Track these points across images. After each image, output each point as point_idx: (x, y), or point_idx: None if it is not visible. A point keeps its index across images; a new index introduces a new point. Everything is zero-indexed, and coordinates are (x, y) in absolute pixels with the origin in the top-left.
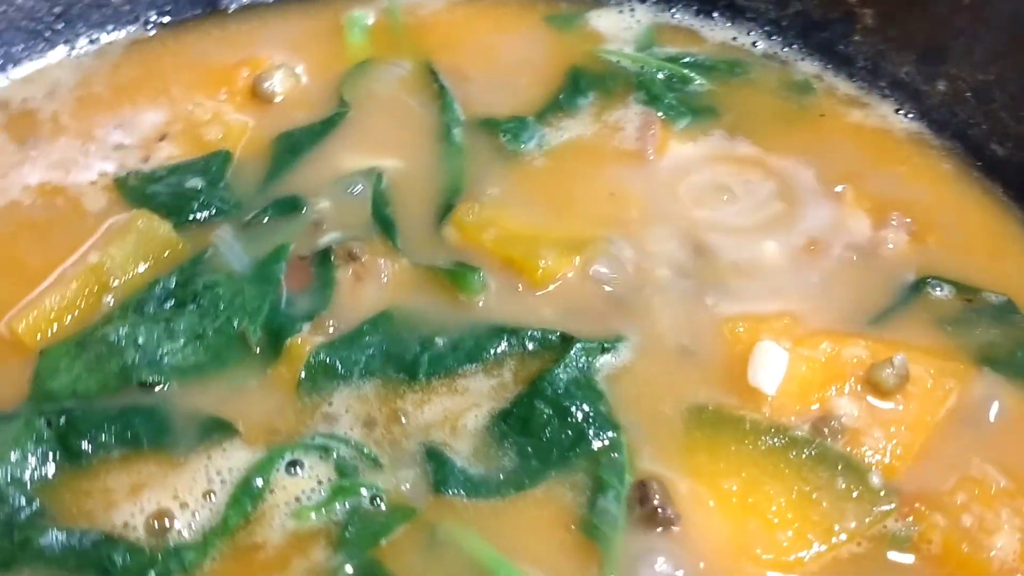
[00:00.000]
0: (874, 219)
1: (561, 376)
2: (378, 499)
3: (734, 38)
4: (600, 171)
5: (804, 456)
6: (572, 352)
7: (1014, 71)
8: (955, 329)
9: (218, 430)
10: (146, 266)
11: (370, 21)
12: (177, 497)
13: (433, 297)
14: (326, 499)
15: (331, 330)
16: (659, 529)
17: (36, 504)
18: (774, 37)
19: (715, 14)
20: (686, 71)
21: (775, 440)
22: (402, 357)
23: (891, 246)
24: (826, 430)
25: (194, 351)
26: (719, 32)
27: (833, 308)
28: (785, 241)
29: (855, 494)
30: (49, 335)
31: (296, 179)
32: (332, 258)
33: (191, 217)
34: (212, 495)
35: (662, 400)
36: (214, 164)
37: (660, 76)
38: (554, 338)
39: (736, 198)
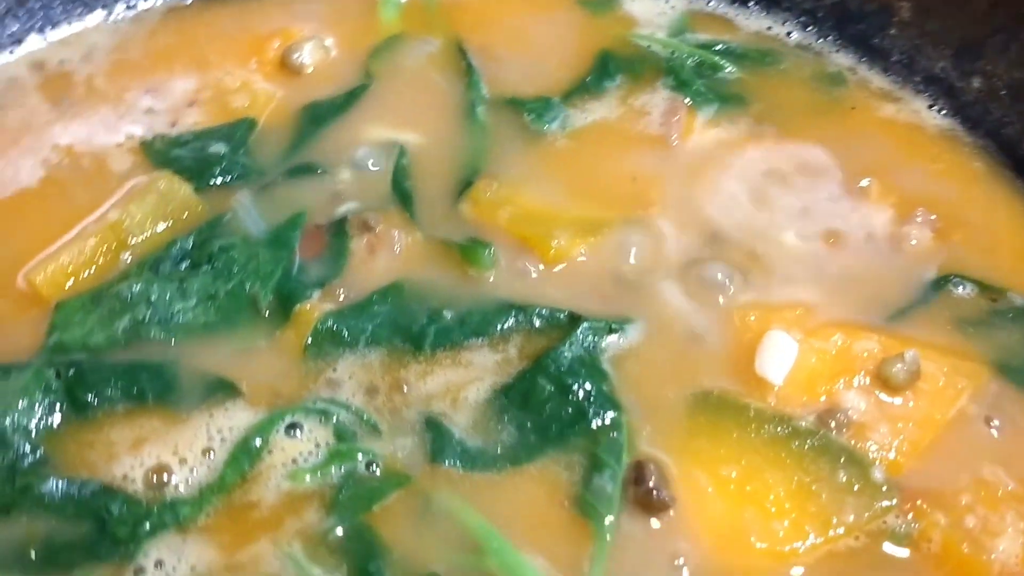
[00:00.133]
0: (898, 214)
1: (566, 354)
2: (374, 465)
3: (768, 28)
4: (622, 154)
5: (806, 447)
6: (578, 331)
7: None
8: (975, 329)
9: (222, 390)
10: (165, 226)
11: None
12: (177, 453)
13: (444, 271)
14: (323, 462)
15: (341, 298)
16: (654, 511)
17: (40, 452)
18: (809, 28)
19: (750, 3)
20: (717, 58)
21: (778, 429)
22: (409, 328)
23: (914, 242)
24: (832, 423)
25: (205, 311)
26: (753, 21)
27: (850, 302)
28: (804, 232)
29: (856, 488)
30: (65, 289)
31: (318, 149)
32: (347, 228)
33: (212, 181)
34: (211, 453)
35: (667, 384)
36: (239, 131)
37: (690, 62)
38: (562, 317)
39: (758, 187)
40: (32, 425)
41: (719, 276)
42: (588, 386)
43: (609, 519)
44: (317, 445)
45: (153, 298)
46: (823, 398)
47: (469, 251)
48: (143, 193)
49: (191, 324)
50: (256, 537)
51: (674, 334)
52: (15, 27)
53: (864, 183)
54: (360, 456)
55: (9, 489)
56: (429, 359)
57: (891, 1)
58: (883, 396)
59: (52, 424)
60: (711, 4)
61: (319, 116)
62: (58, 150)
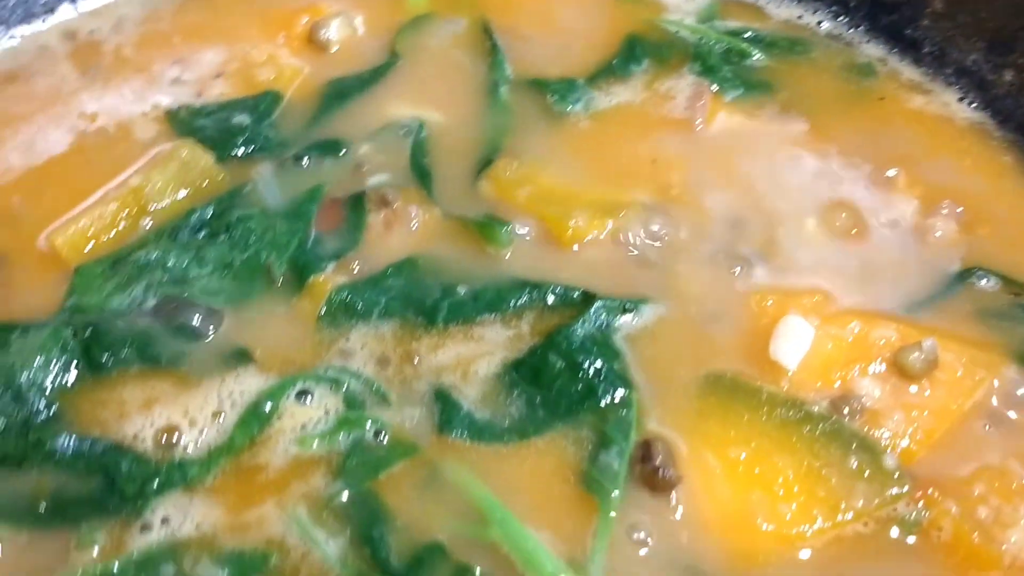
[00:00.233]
0: (924, 205)
1: (578, 332)
2: (382, 434)
3: (799, 16)
4: (645, 137)
5: (818, 431)
6: (592, 310)
7: None
8: (997, 322)
9: (234, 356)
10: (185, 194)
11: None
12: (187, 415)
13: (460, 248)
14: (331, 429)
15: (355, 271)
16: (659, 489)
17: (53, 409)
18: (841, 18)
19: None
20: (745, 46)
21: (790, 413)
22: (422, 302)
23: (939, 233)
24: (845, 409)
25: (220, 280)
26: (784, 10)
27: (869, 290)
28: (826, 220)
29: (867, 474)
30: (85, 252)
31: (340, 124)
32: (365, 202)
33: (234, 152)
34: (221, 416)
35: (679, 365)
36: (263, 104)
37: (718, 49)
38: (576, 295)
39: (781, 173)
40: (47, 382)
41: (737, 261)
42: (599, 363)
43: (614, 495)
44: (326, 412)
45: (170, 264)
46: (837, 384)
47: (486, 228)
48: (165, 160)
49: (207, 291)
50: (262, 499)
51: (689, 316)
52: None
53: (891, 173)
54: (369, 424)
55: (22, 443)
56: (441, 332)
57: None
58: (899, 384)
59: (67, 382)
60: None
61: (343, 92)
62: (85, 117)
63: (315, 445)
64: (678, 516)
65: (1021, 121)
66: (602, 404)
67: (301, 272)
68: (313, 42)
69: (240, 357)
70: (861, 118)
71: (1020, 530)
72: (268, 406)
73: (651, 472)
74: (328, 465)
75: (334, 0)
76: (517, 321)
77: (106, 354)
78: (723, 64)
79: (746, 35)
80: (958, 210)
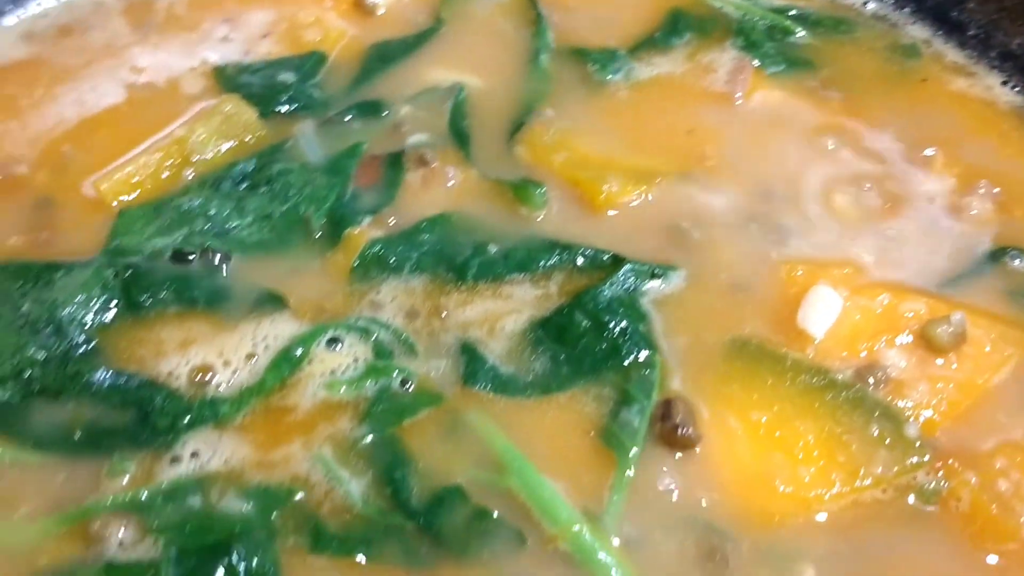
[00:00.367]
0: (960, 185)
1: (605, 293)
2: (408, 383)
3: None
4: (683, 108)
5: (841, 398)
6: (620, 272)
7: None
8: None
9: (270, 302)
10: (228, 147)
11: None
12: (222, 355)
13: (494, 208)
14: (359, 376)
15: (391, 226)
16: (678, 447)
17: (92, 344)
18: None
19: None
20: (789, 23)
21: (814, 379)
22: (453, 258)
23: (975, 212)
24: (870, 379)
25: (259, 229)
26: None
27: (901, 265)
28: (861, 195)
29: (887, 441)
30: (130, 198)
31: (383, 86)
32: (403, 161)
33: (278, 108)
34: (255, 358)
35: (705, 330)
36: (308, 63)
37: (762, 25)
38: (606, 258)
39: (817, 148)
40: (87, 319)
41: (769, 232)
42: (624, 324)
43: (633, 451)
44: (355, 360)
45: (211, 213)
46: (863, 354)
47: (521, 190)
48: (210, 114)
49: (245, 240)
50: (289, 439)
51: (718, 283)
52: None
53: (928, 152)
54: (395, 373)
55: (61, 375)
56: (470, 289)
57: None
58: (925, 356)
59: (106, 319)
60: None
61: (387, 55)
62: (135, 71)
63: (343, 390)
64: (696, 475)
65: None
66: (625, 364)
67: (338, 225)
68: (359, 6)
69: (275, 304)
70: (902, 98)
71: None
72: (299, 351)
73: (671, 430)
74: (354, 409)
75: None
76: (546, 281)
77: (145, 295)
78: (766, 40)
79: (791, 13)
80: (995, 191)
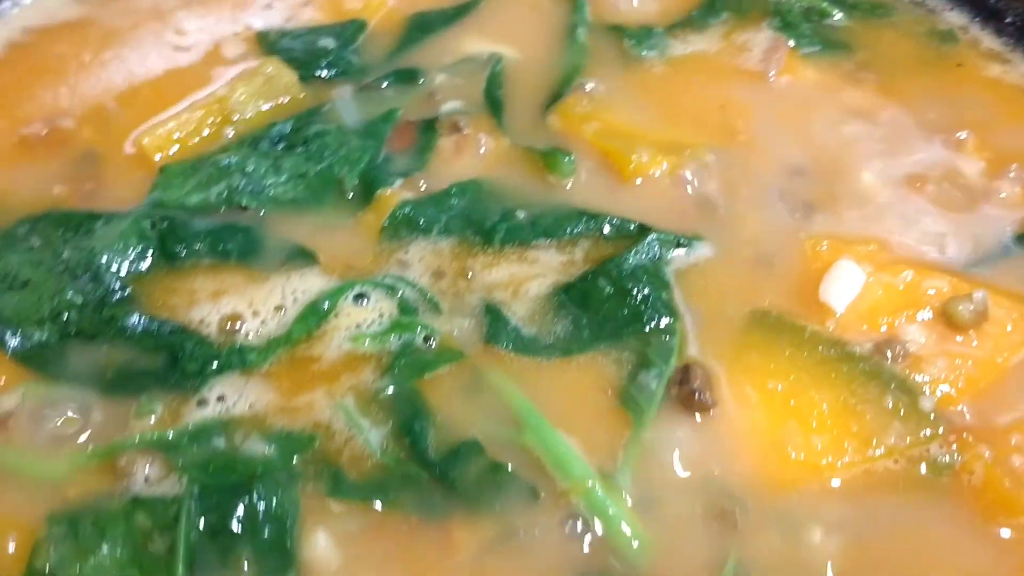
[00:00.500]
0: (991, 167)
1: (630, 260)
2: (431, 339)
3: None
4: (716, 85)
5: (857, 369)
6: (646, 241)
7: None
8: None
9: (301, 257)
10: (268, 107)
11: None
12: (252, 306)
13: (523, 175)
14: (384, 330)
15: (422, 189)
16: (694, 410)
17: (128, 291)
18: None
19: None
20: (826, 5)
21: (832, 351)
22: (482, 223)
23: (1003, 195)
24: (889, 352)
25: (294, 187)
26: None
27: (926, 244)
28: (890, 173)
29: (902, 413)
30: (170, 154)
31: (421, 54)
32: (437, 127)
33: (317, 73)
34: (284, 310)
35: (727, 300)
36: (349, 30)
37: (799, 7)
38: (632, 227)
39: (849, 127)
40: (124, 266)
41: (795, 207)
42: (647, 291)
43: (649, 413)
44: (381, 315)
45: (249, 170)
46: (883, 329)
47: (550, 158)
48: (251, 75)
49: (280, 197)
50: (313, 387)
51: (742, 256)
52: None
53: (961, 135)
54: (419, 330)
55: (96, 318)
56: (496, 252)
57: None
58: (945, 333)
59: (142, 268)
60: None
61: (426, 24)
62: (180, 33)
63: (367, 343)
64: (710, 439)
65: None
66: (646, 330)
67: (370, 186)
68: None
69: (306, 259)
70: (936, 81)
71: None
72: (327, 304)
73: (688, 394)
74: (378, 362)
75: None
76: (572, 248)
77: (180, 246)
78: (803, 22)
79: None
80: None
